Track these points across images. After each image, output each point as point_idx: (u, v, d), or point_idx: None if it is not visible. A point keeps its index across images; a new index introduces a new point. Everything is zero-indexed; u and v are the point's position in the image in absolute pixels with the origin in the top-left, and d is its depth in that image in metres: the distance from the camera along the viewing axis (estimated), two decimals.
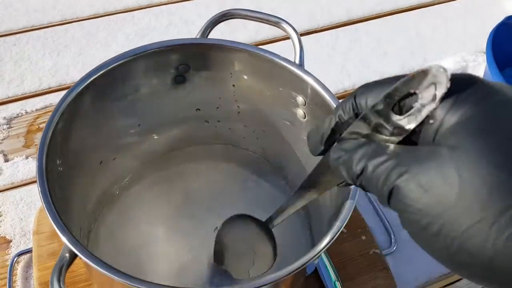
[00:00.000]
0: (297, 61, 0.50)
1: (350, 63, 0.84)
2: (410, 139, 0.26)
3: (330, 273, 0.57)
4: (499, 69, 0.68)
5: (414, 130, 0.25)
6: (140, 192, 0.58)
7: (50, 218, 0.35)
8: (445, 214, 0.22)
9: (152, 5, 0.90)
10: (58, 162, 0.43)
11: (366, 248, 0.60)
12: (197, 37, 0.51)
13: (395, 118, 0.26)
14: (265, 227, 0.43)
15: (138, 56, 0.48)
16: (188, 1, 0.92)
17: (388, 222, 0.64)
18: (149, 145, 0.58)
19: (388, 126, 0.26)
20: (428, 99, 0.24)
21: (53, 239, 0.57)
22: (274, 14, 0.52)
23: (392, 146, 0.25)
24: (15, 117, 0.71)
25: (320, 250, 0.38)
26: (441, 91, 0.23)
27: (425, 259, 0.62)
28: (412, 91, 0.24)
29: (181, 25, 0.86)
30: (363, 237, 0.61)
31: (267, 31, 0.86)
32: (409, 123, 0.25)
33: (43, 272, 0.54)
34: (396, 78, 0.26)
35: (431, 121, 0.24)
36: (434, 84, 0.24)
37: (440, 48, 0.89)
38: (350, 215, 0.39)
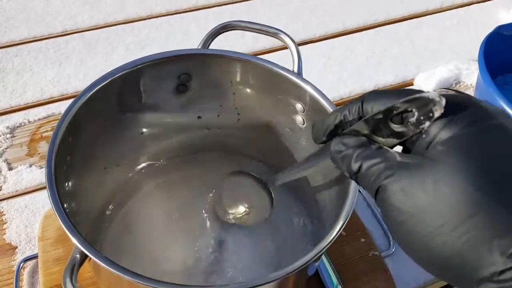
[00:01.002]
0: (296, 70, 0.52)
1: (346, 72, 0.86)
2: (405, 145, 0.30)
3: (331, 275, 0.58)
4: (491, 77, 0.70)
5: (409, 138, 0.29)
6: (143, 198, 0.59)
7: (60, 221, 0.37)
8: (418, 215, 0.26)
9: (152, 17, 0.92)
10: (64, 169, 0.44)
11: (365, 251, 0.61)
12: (199, 47, 0.53)
13: (392, 126, 0.29)
14: (263, 183, 0.51)
15: (141, 66, 0.49)
16: (187, 13, 0.94)
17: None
18: (151, 152, 0.60)
19: (385, 131, 0.30)
20: (423, 119, 0.28)
21: (58, 245, 0.58)
22: (272, 26, 0.54)
23: (386, 150, 0.29)
24: (18, 126, 0.72)
25: (321, 250, 0.39)
26: (435, 115, 0.27)
27: None
28: (410, 109, 0.28)
29: (180, 37, 0.88)
30: (363, 240, 0.62)
31: (264, 41, 0.88)
32: (403, 134, 0.29)
33: (49, 277, 0.55)
34: (403, 92, 0.30)
35: (424, 136, 0.28)
36: (431, 108, 0.27)
37: (433, 57, 0.91)
38: (350, 214, 0.41)
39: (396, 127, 0.29)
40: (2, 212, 0.63)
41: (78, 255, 0.35)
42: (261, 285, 0.37)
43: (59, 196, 0.39)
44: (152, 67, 0.50)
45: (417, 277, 0.62)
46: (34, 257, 0.59)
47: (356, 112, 0.32)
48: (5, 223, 0.62)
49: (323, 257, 0.60)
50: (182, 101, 0.56)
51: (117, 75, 0.47)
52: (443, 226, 0.25)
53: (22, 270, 0.58)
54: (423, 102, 0.27)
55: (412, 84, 0.86)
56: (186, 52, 0.51)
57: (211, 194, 0.56)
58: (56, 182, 0.39)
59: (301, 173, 0.46)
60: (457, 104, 0.28)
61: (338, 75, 0.86)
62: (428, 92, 0.27)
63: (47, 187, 0.39)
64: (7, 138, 0.70)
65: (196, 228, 0.57)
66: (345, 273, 0.59)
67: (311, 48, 0.90)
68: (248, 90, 0.55)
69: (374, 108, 0.31)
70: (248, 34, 0.88)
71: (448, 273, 0.26)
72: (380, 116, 0.29)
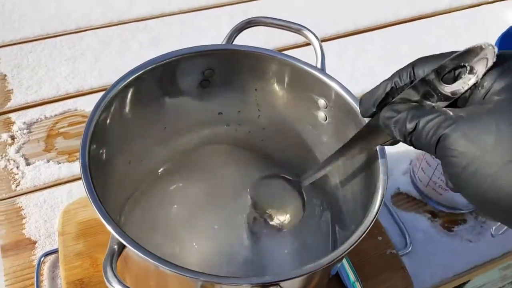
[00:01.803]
0: (319, 66, 0.52)
1: (357, 71, 0.87)
2: (456, 105, 0.30)
3: (348, 273, 0.59)
4: None
5: (460, 96, 0.29)
6: (164, 192, 0.60)
7: (98, 213, 0.37)
8: (483, 156, 0.27)
9: (164, 15, 0.92)
10: (93, 162, 0.44)
11: (383, 249, 0.62)
12: (223, 43, 0.53)
13: (444, 86, 0.30)
14: (295, 184, 0.52)
15: (171, 60, 0.49)
16: (199, 11, 0.94)
17: (403, 224, 0.65)
18: (172, 147, 0.60)
19: (436, 93, 0.30)
20: (476, 70, 0.28)
21: (79, 240, 0.58)
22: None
23: (440, 108, 0.30)
24: (34, 122, 0.72)
25: (347, 249, 0.39)
26: (489, 63, 0.28)
27: (440, 260, 0.64)
28: (462, 64, 0.29)
29: (193, 34, 0.88)
30: (380, 238, 0.62)
31: (278, 41, 0.88)
32: (456, 90, 0.29)
33: (71, 272, 0.55)
34: (451, 52, 0.30)
35: (479, 88, 0.29)
36: (483, 58, 0.28)
37: None
38: (376, 215, 0.41)
39: (448, 87, 0.29)
40: (21, 207, 0.63)
41: (116, 246, 0.36)
42: (287, 279, 0.37)
43: (95, 189, 0.39)
44: (179, 62, 0.50)
45: (433, 276, 0.62)
46: (54, 251, 0.59)
47: (408, 77, 0.32)
48: (24, 218, 0.62)
49: None
50: (204, 96, 0.56)
51: (147, 68, 0.48)
52: (510, 163, 0.26)
53: (42, 264, 0.58)
54: (475, 53, 0.28)
55: None
56: (212, 47, 0.52)
57: (249, 196, 0.56)
58: (91, 175, 0.40)
59: (326, 168, 0.47)
60: (503, 55, 0.29)
61: (350, 74, 0.86)
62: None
63: (82, 178, 0.39)
64: (24, 134, 0.70)
65: (219, 221, 0.58)
66: (363, 270, 0.60)
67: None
68: (270, 85, 0.55)
69: (425, 71, 0.31)
70: (261, 34, 0.88)
71: None
72: (432, 76, 0.30)
